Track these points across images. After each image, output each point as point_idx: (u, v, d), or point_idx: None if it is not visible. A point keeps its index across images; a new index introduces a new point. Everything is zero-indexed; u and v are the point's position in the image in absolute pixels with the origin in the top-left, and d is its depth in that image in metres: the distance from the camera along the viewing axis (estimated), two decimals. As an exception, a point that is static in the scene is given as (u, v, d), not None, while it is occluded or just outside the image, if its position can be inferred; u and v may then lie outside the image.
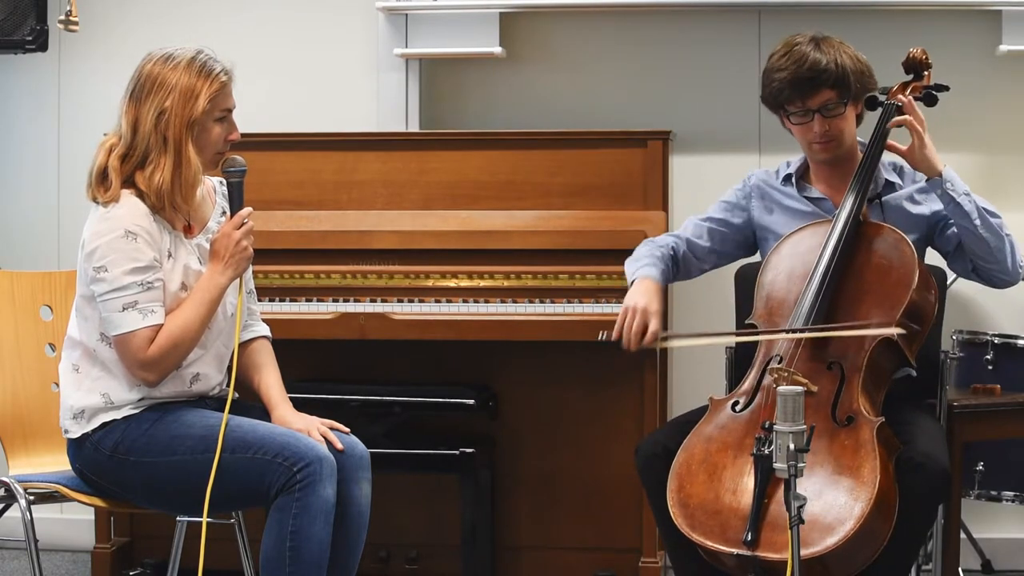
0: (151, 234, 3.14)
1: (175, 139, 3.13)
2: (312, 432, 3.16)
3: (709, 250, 3.65)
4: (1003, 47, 4.32)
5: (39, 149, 4.79)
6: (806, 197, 3.55)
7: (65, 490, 3.23)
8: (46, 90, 4.78)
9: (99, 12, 4.69)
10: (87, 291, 3.17)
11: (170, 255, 3.18)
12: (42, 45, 4.37)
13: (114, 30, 4.71)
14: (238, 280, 3.23)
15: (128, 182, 3.17)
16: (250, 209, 3.24)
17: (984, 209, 3.35)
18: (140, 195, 3.15)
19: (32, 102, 4.79)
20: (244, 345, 3.35)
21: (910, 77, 3.53)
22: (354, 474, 3.18)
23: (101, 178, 3.17)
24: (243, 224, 3.21)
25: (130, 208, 3.13)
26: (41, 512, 3.36)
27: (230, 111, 3.23)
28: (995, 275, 3.43)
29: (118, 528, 4.34)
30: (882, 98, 3.50)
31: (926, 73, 3.52)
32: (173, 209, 3.19)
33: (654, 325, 3.35)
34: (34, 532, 3.23)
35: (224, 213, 3.31)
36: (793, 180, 3.58)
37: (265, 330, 3.43)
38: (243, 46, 4.47)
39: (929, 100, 3.51)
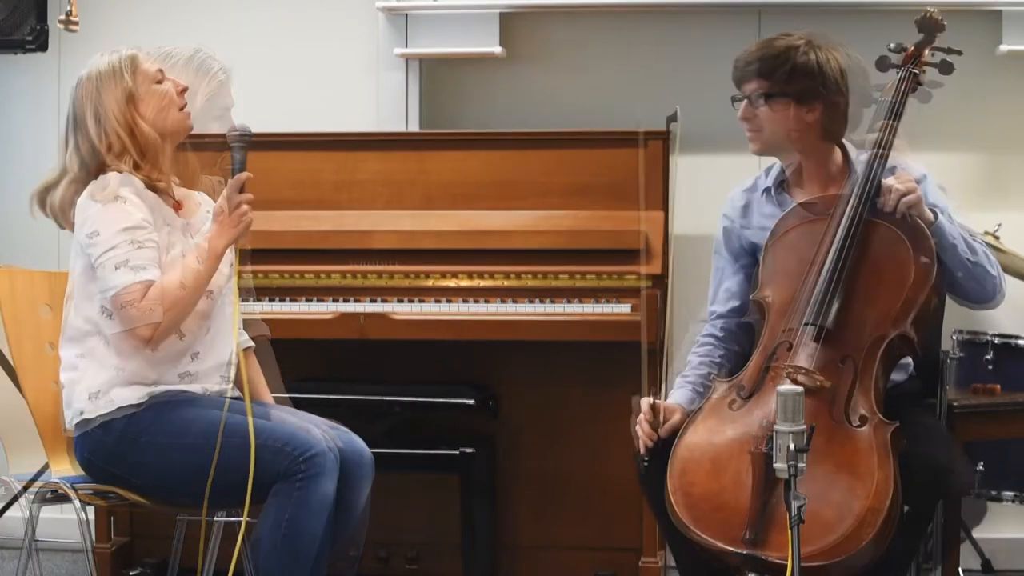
0: (141, 197, 3.18)
1: (122, 125, 3.20)
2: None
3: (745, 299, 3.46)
4: (1003, 47, 4.32)
5: (39, 149, 4.79)
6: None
7: (66, 489, 3.23)
8: (46, 90, 4.78)
9: (99, 12, 4.69)
10: (86, 263, 3.17)
11: (165, 223, 3.22)
12: (42, 45, 4.37)
13: (114, 30, 4.70)
14: (235, 280, 3.23)
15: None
16: (249, 174, 3.21)
17: (969, 261, 3.23)
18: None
19: (32, 102, 4.79)
20: None
21: (921, 36, 3.44)
22: (355, 472, 3.18)
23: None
24: (243, 189, 3.19)
25: (121, 178, 3.18)
26: (41, 512, 3.36)
27: (178, 90, 3.29)
28: (971, 300, 3.35)
29: (118, 528, 4.34)
30: (895, 59, 3.42)
31: (938, 36, 3.46)
32: (159, 172, 3.24)
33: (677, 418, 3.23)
34: (34, 532, 3.22)
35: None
36: (772, 192, 3.53)
37: (248, 341, 3.43)
38: (243, 46, 4.47)
39: (945, 68, 3.42)
